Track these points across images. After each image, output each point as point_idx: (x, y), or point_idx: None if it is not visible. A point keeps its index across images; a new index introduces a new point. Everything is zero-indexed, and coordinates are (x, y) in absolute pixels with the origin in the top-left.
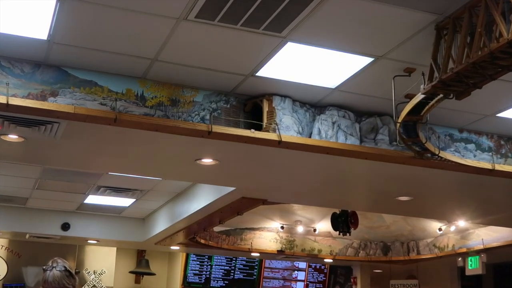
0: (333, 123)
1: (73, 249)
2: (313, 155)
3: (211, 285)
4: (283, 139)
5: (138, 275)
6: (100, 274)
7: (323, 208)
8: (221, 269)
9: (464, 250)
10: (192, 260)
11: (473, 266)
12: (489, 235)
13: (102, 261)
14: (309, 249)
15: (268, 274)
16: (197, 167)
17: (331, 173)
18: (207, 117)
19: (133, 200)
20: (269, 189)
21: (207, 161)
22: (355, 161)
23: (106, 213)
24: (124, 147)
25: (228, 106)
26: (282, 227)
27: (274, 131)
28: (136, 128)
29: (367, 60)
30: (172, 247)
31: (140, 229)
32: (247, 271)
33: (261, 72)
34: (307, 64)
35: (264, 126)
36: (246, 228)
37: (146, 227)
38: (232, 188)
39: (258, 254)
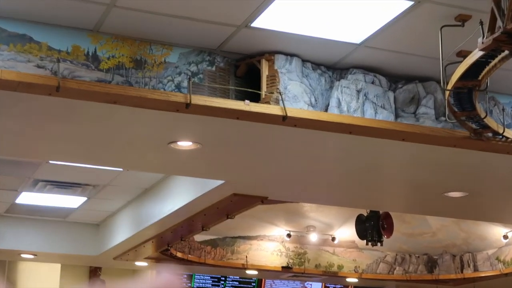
0: (358, 91)
1: (1, 266)
2: (330, 135)
3: None
4: (289, 114)
5: None
6: None
7: (345, 209)
8: None
9: None
10: None
11: None
12: None
13: (41, 282)
14: (326, 265)
15: None
16: (171, 153)
17: (356, 161)
18: (184, 84)
19: (84, 199)
20: (270, 183)
21: (185, 144)
22: (388, 144)
23: (46, 217)
24: (71, 126)
25: (213, 69)
26: (288, 235)
27: (276, 102)
28: (86, 100)
29: (405, 4)
30: (138, 263)
31: (93, 239)
32: None
33: (259, 22)
34: (323, 10)
35: (263, 96)
36: (240, 237)
37: (102, 236)
38: (220, 182)
39: (255, 272)
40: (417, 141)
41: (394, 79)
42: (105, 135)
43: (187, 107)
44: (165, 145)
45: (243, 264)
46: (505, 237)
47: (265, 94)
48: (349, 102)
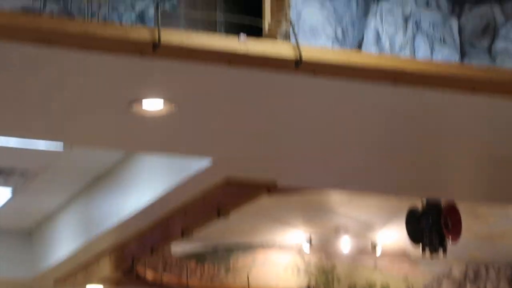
0: (406, 18)
1: None
2: (365, 86)
3: None
4: (304, 55)
5: None
6: None
7: (390, 200)
8: None
9: None
10: None
11: None
12: None
13: None
14: (365, 286)
15: None
16: (134, 119)
17: (403, 124)
18: (151, 13)
19: (7, 193)
20: (279, 162)
21: (153, 105)
22: (452, 97)
23: None
24: None
25: None
26: (309, 242)
27: (286, 38)
28: (6, 40)
29: None
30: (90, 287)
31: (24, 254)
32: None
33: None
34: None
35: (266, 30)
36: (238, 246)
37: (36, 249)
38: (206, 162)
39: None
40: (494, 91)
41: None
42: (35, 93)
43: (155, 48)
44: (124, 107)
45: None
46: None
47: (270, 26)
48: (393, 36)
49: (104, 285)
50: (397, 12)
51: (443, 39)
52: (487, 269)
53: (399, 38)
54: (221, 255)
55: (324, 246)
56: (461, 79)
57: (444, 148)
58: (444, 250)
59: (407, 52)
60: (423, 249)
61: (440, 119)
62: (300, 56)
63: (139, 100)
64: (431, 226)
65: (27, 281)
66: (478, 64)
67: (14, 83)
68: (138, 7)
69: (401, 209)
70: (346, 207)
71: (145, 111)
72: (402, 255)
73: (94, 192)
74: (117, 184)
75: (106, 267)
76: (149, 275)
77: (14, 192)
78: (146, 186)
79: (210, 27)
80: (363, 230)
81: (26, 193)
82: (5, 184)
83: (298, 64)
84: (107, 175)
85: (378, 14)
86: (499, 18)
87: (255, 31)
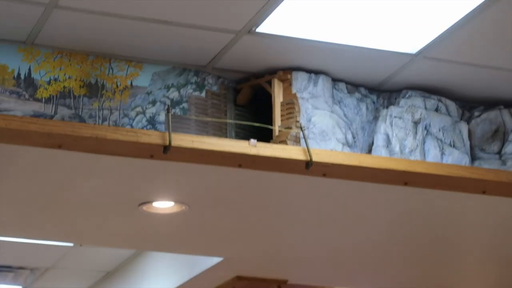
0: (416, 123)
1: None
2: (376, 188)
3: None
4: (315, 159)
5: None
6: None
7: None
8: None
9: None
10: None
11: None
12: None
13: None
14: None
15: None
16: (144, 219)
17: (414, 225)
18: (161, 117)
19: None
20: (289, 260)
21: (164, 205)
22: (462, 199)
23: None
24: None
25: (203, 94)
26: None
27: (296, 142)
28: (18, 144)
29: None
30: None
31: None
32: None
33: (268, 25)
34: (362, 9)
35: (277, 134)
36: None
37: None
38: (217, 260)
39: None
40: (504, 194)
41: (468, 104)
42: (46, 195)
43: (166, 151)
44: (134, 208)
45: None
46: None
47: (280, 130)
48: (403, 139)
49: None
50: (407, 117)
51: (453, 143)
52: None
53: (410, 142)
54: None
55: None
56: (471, 182)
57: (455, 246)
58: None
59: (417, 156)
60: None
61: (451, 219)
62: (311, 158)
63: (149, 202)
64: None
65: None
66: (488, 167)
67: (25, 185)
68: (149, 112)
69: None
70: None
71: (155, 212)
72: None
73: (105, 287)
74: (129, 280)
75: None
76: None
77: (24, 287)
78: (157, 282)
79: (221, 131)
80: None
81: None
82: (15, 282)
83: (308, 166)
84: (118, 271)
85: (388, 118)
86: (509, 122)
87: (266, 136)
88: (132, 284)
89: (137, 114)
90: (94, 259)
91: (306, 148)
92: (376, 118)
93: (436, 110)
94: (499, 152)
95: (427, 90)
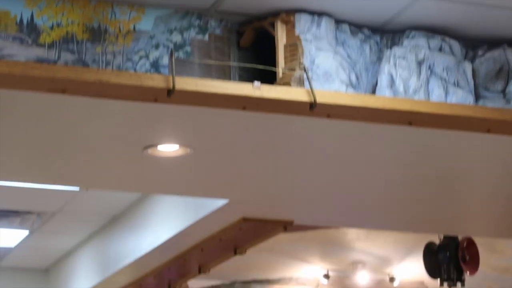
0: (420, 63)
1: None
2: (380, 129)
3: None
4: (319, 100)
5: None
6: None
7: (408, 235)
8: None
9: None
10: None
11: None
12: None
13: None
14: None
15: None
16: (149, 163)
17: (418, 164)
18: (165, 61)
19: (25, 233)
20: (295, 201)
21: (169, 149)
22: (467, 138)
23: None
24: (1, 129)
25: (206, 37)
26: (326, 276)
27: (300, 83)
28: (22, 89)
29: None
30: None
31: None
32: None
33: None
34: None
35: (280, 76)
36: (255, 281)
37: (53, 286)
38: (222, 202)
39: None
40: (508, 132)
41: (472, 43)
42: (51, 140)
43: (170, 94)
44: (139, 151)
45: None
46: None
47: (283, 72)
48: (407, 79)
49: None
50: (411, 57)
51: (457, 82)
52: None
53: (413, 82)
54: None
55: (341, 281)
56: (475, 120)
57: (460, 185)
58: (462, 284)
59: (421, 95)
60: (441, 282)
61: (456, 159)
62: (315, 100)
63: (154, 145)
64: (449, 260)
65: None
66: (492, 106)
67: (29, 130)
68: (152, 55)
69: (418, 244)
70: (363, 242)
71: (160, 156)
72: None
73: (111, 231)
74: (134, 223)
75: None
76: None
77: (30, 232)
78: (162, 225)
79: (224, 74)
80: (381, 264)
81: (43, 233)
82: (22, 226)
83: (312, 107)
84: (124, 214)
85: (391, 59)
86: None
87: (269, 78)
88: (138, 227)
89: (140, 58)
90: (100, 203)
91: (310, 89)
92: (379, 59)
93: (440, 49)
94: (503, 91)
95: (431, 30)
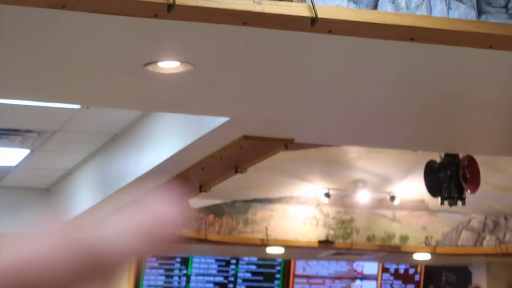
0: None
1: None
2: (382, 44)
3: None
4: (320, 15)
5: None
6: None
7: (408, 154)
8: (208, 282)
9: None
10: (150, 268)
11: None
12: None
13: None
14: (383, 237)
15: None
16: (150, 80)
17: (420, 81)
18: None
19: (26, 152)
20: (295, 119)
21: (169, 65)
22: (469, 54)
23: None
24: (3, 45)
25: None
26: (327, 195)
27: (301, 0)
28: (21, 5)
29: None
30: None
31: (41, 211)
32: (260, 284)
33: None
34: None
35: None
36: (256, 200)
37: (54, 205)
38: (223, 120)
39: (281, 251)
40: (511, 48)
41: None
42: (52, 57)
43: (170, 9)
44: (140, 68)
45: (262, 240)
46: None
47: None
48: None
49: None
50: None
51: None
52: (505, 219)
53: None
54: (239, 208)
55: (342, 199)
56: (478, 36)
57: (461, 103)
58: (463, 201)
59: (423, 10)
60: (442, 201)
61: (457, 75)
62: (316, 15)
63: (154, 62)
64: (450, 178)
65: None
66: (495, 21)
67: (29, 47)
68: None
69: (419, 163)
70: (364, 161)
71: (160, 72)
72: (420, 207)
73: (112, 149)
74: (135, 141)
75: None
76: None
77: (31, 151)
78: (164, 143)
79: None
80: (382, 183)
81: (44, 152)
82: (23, 145)
83: (314, 23)
84: (125, 133)
85: None
86: None
87: None
88: (139, 146)
89: None
90: (101, 121)
91: (311, 4)
92: None
93: None
94: (505, 6)
95: None
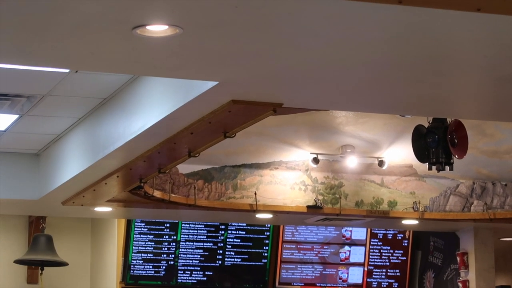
0: None
1: None
2: (371, 7)
3: (178, 281)
4: None
5: (32, 268)
6: None
7: (396, 118)
8: (197, 248)
9: None
10: (139, 233)
11: None
12: None
13: None
14: (372, 202)
15: (291, 254)
16: (138, 43)
17: (409, 44)
18: None
19: (14, 117)
20: (285, 82)
21: (158, 28)
22: (456, 17)
23: None
24: None
25: None
26: (315, 160)
27: None
28: None
29: None
30: (98, 209)
31: (31, 176)
32: (248, 250)
33: None
34: None
35: None
36: (245, 165)
37: (44, 170)
38: (212, 84)
39: (269, 216)
40: (499, 11)
41: None
42: (39, 19)
43: None
44: (128, 31)
45: (251, 205)
46: None
47: None
48: None
49: (112, 207)
50: None
51: None
52: (493, 184)
53: None
54: (228, 174)
55: (330, 164)
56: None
57: (449, 67)
58: (451, 166)
59: None
60: (430, 166)
61: (445, 39)
62: None
63: (143, 25)
64: (437, 143)
65: (35, 203)
66: None
67: (16, 8)
68: None
69: (407, 128)
70: (352, 126)
71: (150, 35)
72: (408, 172)
73: (101, 114)
74: (124, 106)
75: (113, 188)
76: (157, 194)
77: (20, 116)
78: (152, 107)
79: None
80: (370, 148)
81: (33, 117)
82: (12, 110)
83: None
84: (113, 97)
85: None
86: None
87: None
88: (128, 110)
89: None
90: (90, 85)
91: None
92: None
93: None
94: None
95: None
